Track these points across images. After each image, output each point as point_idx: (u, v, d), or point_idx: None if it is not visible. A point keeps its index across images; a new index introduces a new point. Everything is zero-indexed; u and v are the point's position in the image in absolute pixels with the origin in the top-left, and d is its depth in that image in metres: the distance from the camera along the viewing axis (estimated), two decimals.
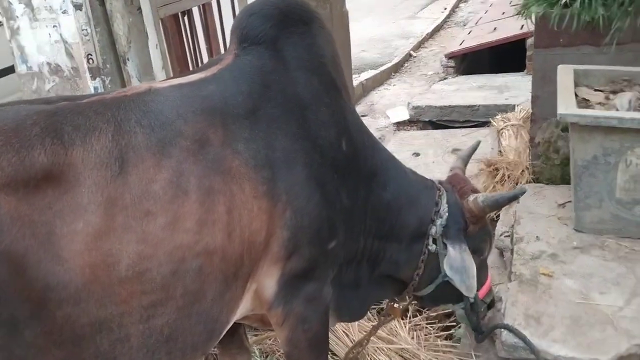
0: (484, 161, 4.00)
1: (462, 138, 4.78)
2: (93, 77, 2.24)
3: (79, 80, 2.25)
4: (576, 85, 2.92)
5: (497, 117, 4.95)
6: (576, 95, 2.92)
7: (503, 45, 6.75)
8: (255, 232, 1.66)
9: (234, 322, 1.90)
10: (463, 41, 7.45)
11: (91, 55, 2.22)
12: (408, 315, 2.92)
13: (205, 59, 3.18)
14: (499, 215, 3.48)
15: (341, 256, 1.99)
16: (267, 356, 2.79)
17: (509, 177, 3.77)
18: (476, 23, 8.42)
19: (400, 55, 8.54)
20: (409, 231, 2.11)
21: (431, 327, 2.88)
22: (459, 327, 2.85)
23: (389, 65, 7.99)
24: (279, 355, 2.73)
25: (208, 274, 1.56)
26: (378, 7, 12.29)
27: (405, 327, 2.82)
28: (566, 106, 2.59)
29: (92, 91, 2.24)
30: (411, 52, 8.83)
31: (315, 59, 1.88)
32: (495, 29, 7.37)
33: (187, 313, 1.55)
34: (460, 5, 12.21)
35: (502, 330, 2.33)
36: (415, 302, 2.49)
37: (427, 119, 5.92)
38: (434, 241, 2.10)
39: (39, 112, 1.43)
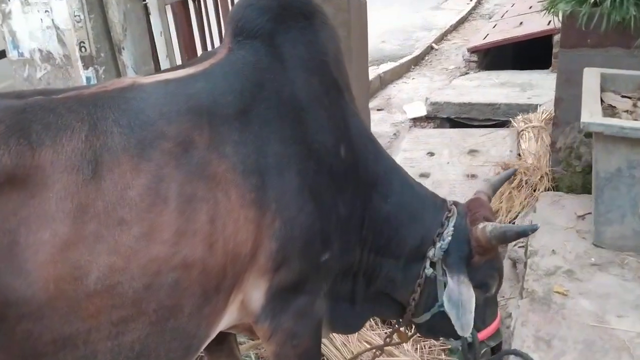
0: (501, 164, 3.83)
1: (480, 139, 4.59)
2: (85, 66, 2.12)
3: (70, 69, 2.14)
4: (602, 90, 2.74)
5: (518, 117, 4.77)
6: (602, 101, 2.73)
7: (528, 40, 6.51)
8: (240, 243, 1.53)
9: (222, 331, 1.80)
10: (487, 35, 7.23)
11: (84, 43, 2.10)
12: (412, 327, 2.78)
13: None
14: (514, 224, 3.31)
15: (336, 268, 1.86)
16: None
17: (526, 183, 3.59)
18: (502, 16, 8.17)
19: (421, 47, 8.32)
20: (407, 249, 1.95)
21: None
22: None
23: (409, 57, 7.79)
24: None
25: (185, 288, 1.44)
26: None
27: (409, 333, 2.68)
28: (590, 114, 2.41)
29: (84, 81, 2.12)
30: (433, 44, 8.60)
31: (315, 57, 1.74)
32: (521, 23, 7.12)
33: (160, 329, 1.43)
34: None
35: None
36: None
37: (444, 116, 5.74)
38: (433, 265, 1.93)
39: (6, 109, 1.32)
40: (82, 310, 1.30)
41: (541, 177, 3.62)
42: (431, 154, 4.43)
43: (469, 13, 10.60)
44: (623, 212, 2.59)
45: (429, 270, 1.92)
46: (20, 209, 1.26)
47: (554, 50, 6.03)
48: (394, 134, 5.42)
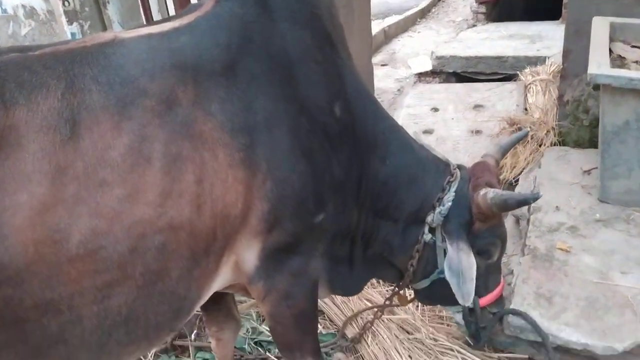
0: (507, 119, 3.73)
1: (486, 93, 4.48)
2: (70, 22, 2.04)
3: (55, 25, 2.06)
4: (612, 40, 2.63)
5: (526, 70, 4.64)
6: (611, 51, 2.62)
7: None
8: (229, 205, 1.49)
9: (219, 292, 1.78)
10: None
11: None
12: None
13: None
14: (517, 180, 3.25)
15: (332, 230, 1.82)
16: (263, 319, 2.68)
17: (532, 138, 3.51)
18: None
19: None
20: (405, 213, 1.90)
21: None
22: None
23: (414, 10, 7.58)
24: None
25: (173, 251, 1.40)
26: None
27: (409, 297, 2.67)
28: (598, 65, 2.31)
29: (69, 37, 2.04)
30: None
31: (306, 8, 1.65)
32: None
33: (148, 292, 1.40)
34: None
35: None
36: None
37: (450, 70, 5.60)
38: (432, 231, 1.88)
39: None
40: (64, 274, 1.27)
41: (547, 131, 3.54)
42: (435, 109, 4.33)
43: None
44: (630, 166, 2.51)
45: (427, 236, 1.87)
46: None
47: (565, 0, 5.82)
48: (398, 90, 5.30)
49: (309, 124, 1.63)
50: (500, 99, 4.34)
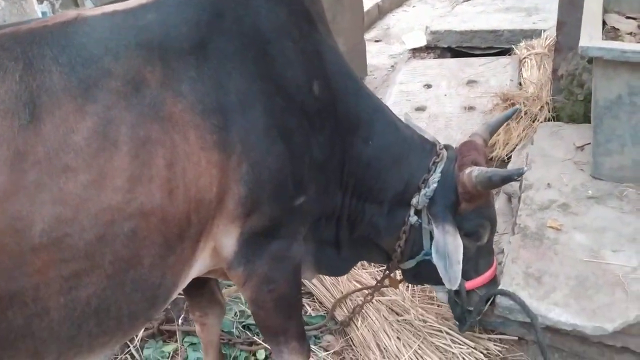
0: (500, 95, 3.66)
1: (480, 68, 4.39)
2: (40, 0, 1.96)
3: (25, 4, 1.98)
4: (606, 11, 2.55)
5: (521, 44, 4.55)
6: (605, 23, 2.54)
7: None
8: (203, 189, 1.44)
9: (201, 277, 1.74)
10: None
11: None
12: None
13: None
14: (510, 157, 3.19)
15: (315, 212, 1.78)
16: None
17: (525, 114, 3.44)
18: None
19: None
20: (390, 195, 1.86)
21: None
22: None
23: None
24: None
25: (144, 238, 1.36)
26: None
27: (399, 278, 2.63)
28: (590, 37, 2.23)
29: (40, 16, 1.97)
30: None
31: None
32: None
33: (119, 281, 1.35)
34: None
35: None
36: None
37: (445, 45, 5.48)
38: (418, 213, 1.84)
39: None
40: (27, 265, 1.22)
41: (541, 107, 3.46)
42: (428, 86, 4.25)
43: None
44: (623, 141, 2.45)
45: (413, 218, 1.85)
46: None
47: None
48: (392, 67, 5.21)
49: (286, 103, 1.58)
50: (494, 74, 4.26)
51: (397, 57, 5.51)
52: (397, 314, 2.45)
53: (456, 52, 5.47)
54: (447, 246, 1.75)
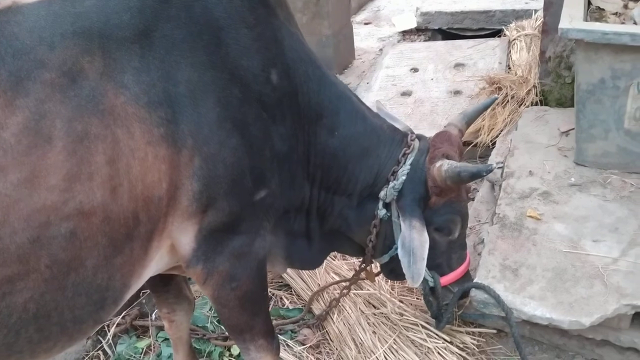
0: (486, 78, 3.55)
1: (468, 51, 4.28)
2: None
3: None
4: None
5: (511, 25, 4.43)
6: (590, 3, 2.44)
7: None
8: (151, 186, 1.36)
9: (166, 274, 1.69)
10: None
11: None
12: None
13: None
14: (494, 144, 3.10)
15: (280, 206, 1.70)
16: None
17: (512, 98, 3.34)
18: None
19: None
20: (359, 187, 1.80)
21: None
22: None
23: None
24: None
25: (85, 239, 1.28)
26: None
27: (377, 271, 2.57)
28: (570, 18, 2.14)
29: None
30: None
31: None
32: None
33: (58, 286, 1.28)
34: None
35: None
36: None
37: (436, 27, 5.37)
38: (386, 206, 1.77)
39: None
40: None
41: (529, 90, 3.37)
42: (415, 69, 4.15)
43: None
44: (607, 127, 2.37)
45: (382, 212, 1.78)
46: None
47: None
48: (380, 50, 5.09)
49: (242, 93, 1.50)
50: (482, 56, 4.16)
51: (387, 40, 5.39)
52: (374, 307, 2.39)
53: (447, 34, 5.36)
54: (413, 242, 1.68)
